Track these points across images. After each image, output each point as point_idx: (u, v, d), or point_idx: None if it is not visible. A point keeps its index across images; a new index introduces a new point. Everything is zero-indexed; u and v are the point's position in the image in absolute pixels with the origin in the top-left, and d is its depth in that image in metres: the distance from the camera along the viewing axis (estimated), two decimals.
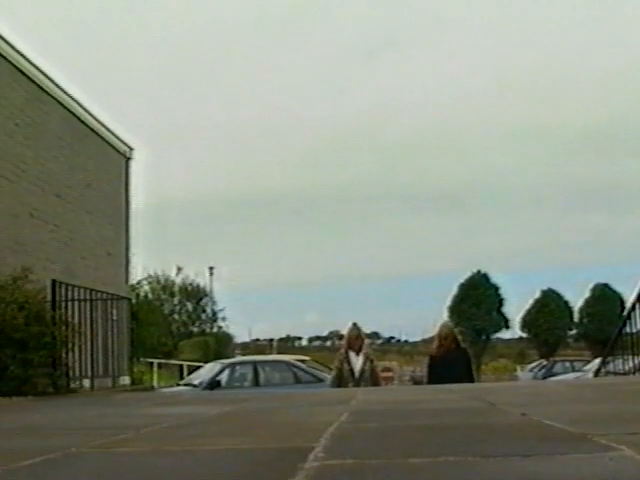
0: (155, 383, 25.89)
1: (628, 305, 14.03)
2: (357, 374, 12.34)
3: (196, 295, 56.85)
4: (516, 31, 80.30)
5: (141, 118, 62.15)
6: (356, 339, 12.64)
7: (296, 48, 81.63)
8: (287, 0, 79.10)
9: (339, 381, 12.42)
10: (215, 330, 54.00)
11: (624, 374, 13.10)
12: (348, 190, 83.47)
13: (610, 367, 14.55)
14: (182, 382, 18.70)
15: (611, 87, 75.60)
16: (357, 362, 12.42)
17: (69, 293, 11.58)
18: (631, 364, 13.03)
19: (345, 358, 12.47)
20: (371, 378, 12.48)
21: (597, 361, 19.44)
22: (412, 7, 79.83)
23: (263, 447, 3.54)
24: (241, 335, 66.27)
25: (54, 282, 11.23)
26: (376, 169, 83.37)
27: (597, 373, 15.67)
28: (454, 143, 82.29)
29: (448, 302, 55.17)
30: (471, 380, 12.47)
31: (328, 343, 75.95)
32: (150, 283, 53.60)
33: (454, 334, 12.86)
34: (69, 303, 11.46)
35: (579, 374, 26.61)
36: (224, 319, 55.64)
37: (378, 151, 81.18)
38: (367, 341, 13.27)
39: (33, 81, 14.35)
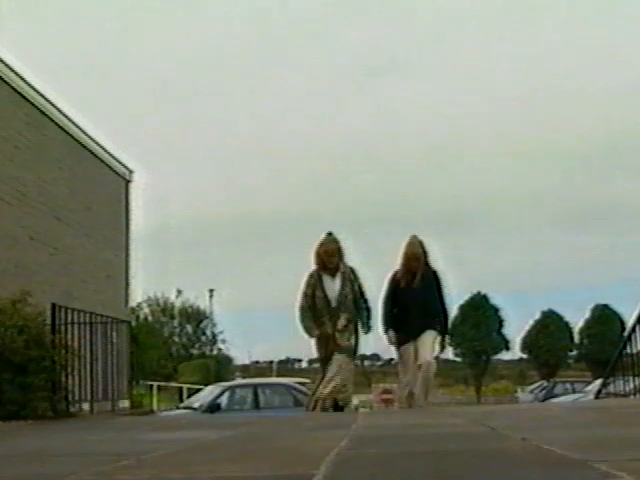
0: (155, 406, 25.83)
1: (628, 326, 14.01)
2: (334, 302, 9.07)
3: (196, 317, 56.86)
4: (515, 52, 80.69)
5: (141, 141, 62.32)
6: (332, 254, 9.17)
7: (294, 69, 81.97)
8: (285, 20, 79.46)
9: (306, 312, 9.21)
10: (215, 352, 53.95)
11: (625, 395, 13.07)
12: (347, 211, 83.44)
13: (611, 388, 14.51)
14: (182, 405, 18.68)
15: (610, 107, 75.90)
16: (334, 286, 9.13)
17: (69, 316, 11.56)
18: (632, 385, 12.99)
19: (317, 282, 9.16)
20: (354, 304, 9.20)
21: (598, 382, 19.40)
22: (411, 28, 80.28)
23: (263, 474, 3.53)
24: (241, 357, 66.16)
25: (54, 305, 11.21)
26: (375, 190, 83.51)
27: (598, 395, 15.62)
28: (453, 164, 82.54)
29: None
30: (445, 318, 9.49)
31: None
32: (150, 306, 53.71)
33: (425, 253, 9.36)
34: (69, 326, 11.44)
35: (579, 395, 26.56)
36: (224, 341, 55.66)
37: (377, 172, 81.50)
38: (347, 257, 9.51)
39: (33, 104, 14.40)
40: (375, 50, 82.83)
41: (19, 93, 13.87)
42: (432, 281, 9.36)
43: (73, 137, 16.26)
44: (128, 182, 19.41)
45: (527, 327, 60.10)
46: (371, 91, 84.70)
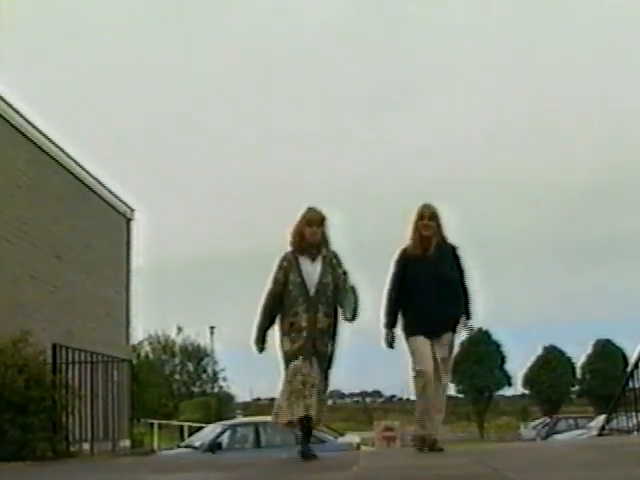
0: (156, 445, 25.68)
1: (631, 361, 13.96)
2: (312, 290, 7.45)
3: (197, 355, 56.70)
4: (514, 85, 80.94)
5: (141, 179, 62.42)
6: (313, 233, 7.60)
7: (296, 104, 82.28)
8: (287, 53, 79.85)
9: (276, 300, 7.51)
10: (216, 390, 53.72)
11: (628, 432, 13.00)
12: (351, 249, 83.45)
13: (614, 424, 14.44)
14: (183, 444, 18.53)
15: (613, 141, 76.03)
16: (314, 272, 7.52)
17: (69, 356, 11.53)
18: (635, 421, 12.93)
19: (293, 265, 7.55)
20: (338, 297, 7.55)
21: (601, 418, 19.28)
22: (411, 62, 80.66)
23: None
24: (242, 394, 65.81)
25: (54, 345, 11.18)
26: (377, 225, 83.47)
27: (601, 431, 15.52)
28: (453, 198, 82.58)
29: None
30: (467, 299, 7.95)
31: (330, 402, 75.34)
32: (151, 343, 53.59)
33: (440, 219, 7.92)
34: (69, 366, 11.40)
35: (582, 431, 26.40)
36: (225, 379, 55.47)
37: (380, 209, 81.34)
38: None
39: (34, 143, 14.44)
40: (374, 89, 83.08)
41: (20, 131, 13.92)
42: (450, 255, 7.96)
43: (74, 175, 16.29)
44: (129, 220, 19.44)
45: (529, 363, 59.86)
46: (373, 126, 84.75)
